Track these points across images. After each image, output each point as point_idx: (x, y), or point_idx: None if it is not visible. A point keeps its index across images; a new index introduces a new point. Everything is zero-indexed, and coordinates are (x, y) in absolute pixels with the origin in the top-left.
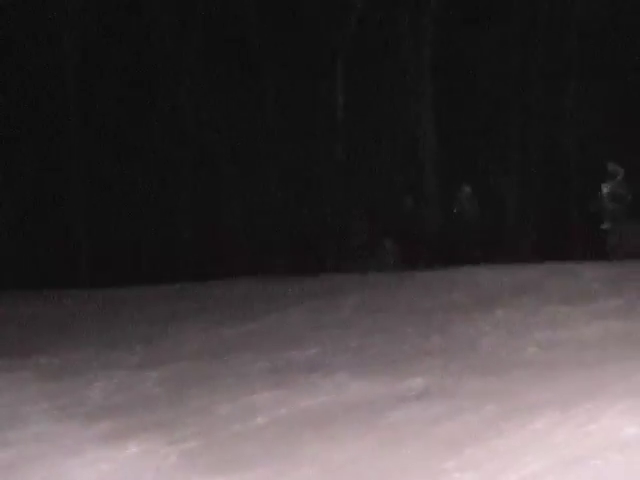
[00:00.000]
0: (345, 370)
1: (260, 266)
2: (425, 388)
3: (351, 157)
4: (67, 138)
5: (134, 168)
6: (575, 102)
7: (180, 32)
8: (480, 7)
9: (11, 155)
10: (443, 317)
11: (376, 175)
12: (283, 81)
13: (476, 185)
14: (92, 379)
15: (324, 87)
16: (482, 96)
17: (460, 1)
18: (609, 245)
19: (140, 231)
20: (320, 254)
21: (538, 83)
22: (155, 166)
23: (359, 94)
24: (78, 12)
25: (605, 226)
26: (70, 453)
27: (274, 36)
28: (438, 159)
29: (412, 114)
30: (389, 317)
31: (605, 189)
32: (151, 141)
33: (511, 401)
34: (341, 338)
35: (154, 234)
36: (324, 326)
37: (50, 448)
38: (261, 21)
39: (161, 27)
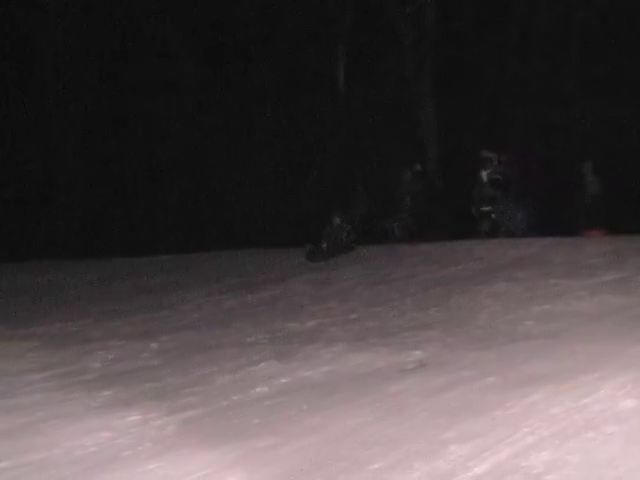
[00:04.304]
0: (345, 341)
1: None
2: (424, 360)
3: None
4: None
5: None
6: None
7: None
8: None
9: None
10: (443, 289)
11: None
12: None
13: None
14: (92, 349)
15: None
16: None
17: None
18: (489, 226)
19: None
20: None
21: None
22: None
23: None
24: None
25: (485, 209)
26: (70, 421)
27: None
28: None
29: (412, 97)
30: (389, 289)
31: (483, 175)
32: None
33: (509, 373)
34: (341, 310)
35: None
36: (324, 298)
37: (50, 416)
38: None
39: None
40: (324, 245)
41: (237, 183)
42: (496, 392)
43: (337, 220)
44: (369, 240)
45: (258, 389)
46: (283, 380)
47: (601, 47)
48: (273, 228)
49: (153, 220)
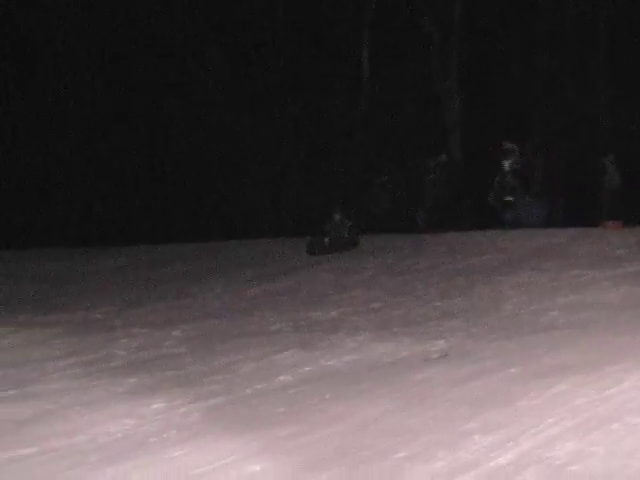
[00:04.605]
0: (368, 331)
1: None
2: (448, 350)
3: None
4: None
5: None
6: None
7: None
8: None
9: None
10: (467, 279)
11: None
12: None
13: None
14: (116, 336)
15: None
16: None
17: None
18: (510, 216)
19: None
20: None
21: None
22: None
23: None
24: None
25: (508, 198)
26: (95, 407)
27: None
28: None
29: (438, 90)
30: (412, 279)
31: (506, 165)
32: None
33: (533, 364)
34: (364, 299)
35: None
36: (347, 287)
37: (75, 402)
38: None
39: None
40: (326, 240)
41: (242, 178)
42: (520, 383)
43: (337, 216)
44: (392, 230)
45: (282, 377)
46: (306, 369)
47: (627, 42)
48: (277, 220)
49: (160, 212)
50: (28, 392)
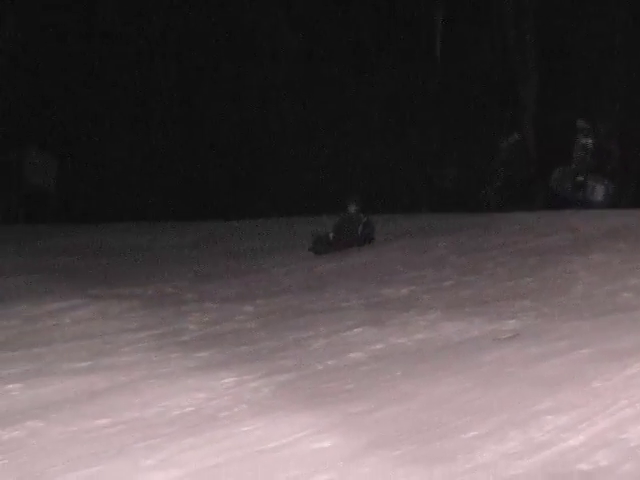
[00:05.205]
0: (439, 309)
1: None
2: (519, 329)
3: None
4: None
5: None
6: None
7: None
8: None
9: None
10: (538, 259)
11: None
12: None
13: None
14: (188, 310)
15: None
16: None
17: None
18: (582, 195)
19: None
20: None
21: None
22: None
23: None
24: None
25: (580, 178)
26: (166, 381)
27: None
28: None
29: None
30: (483, 258)
31: (588, 143)
32: None
33: (605, 345)
34: (435, 277)
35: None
36: (417, 265)
37: (147, 375)
38: None
39: None
40: (331, 236)
41: (315, 154)
42: (593, 363)
43: (352, 207)
44: (461, 209)
45: (352, 354)
46: (377, 346)
47: None
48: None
49: (235, 188)
50: (101, 364)
